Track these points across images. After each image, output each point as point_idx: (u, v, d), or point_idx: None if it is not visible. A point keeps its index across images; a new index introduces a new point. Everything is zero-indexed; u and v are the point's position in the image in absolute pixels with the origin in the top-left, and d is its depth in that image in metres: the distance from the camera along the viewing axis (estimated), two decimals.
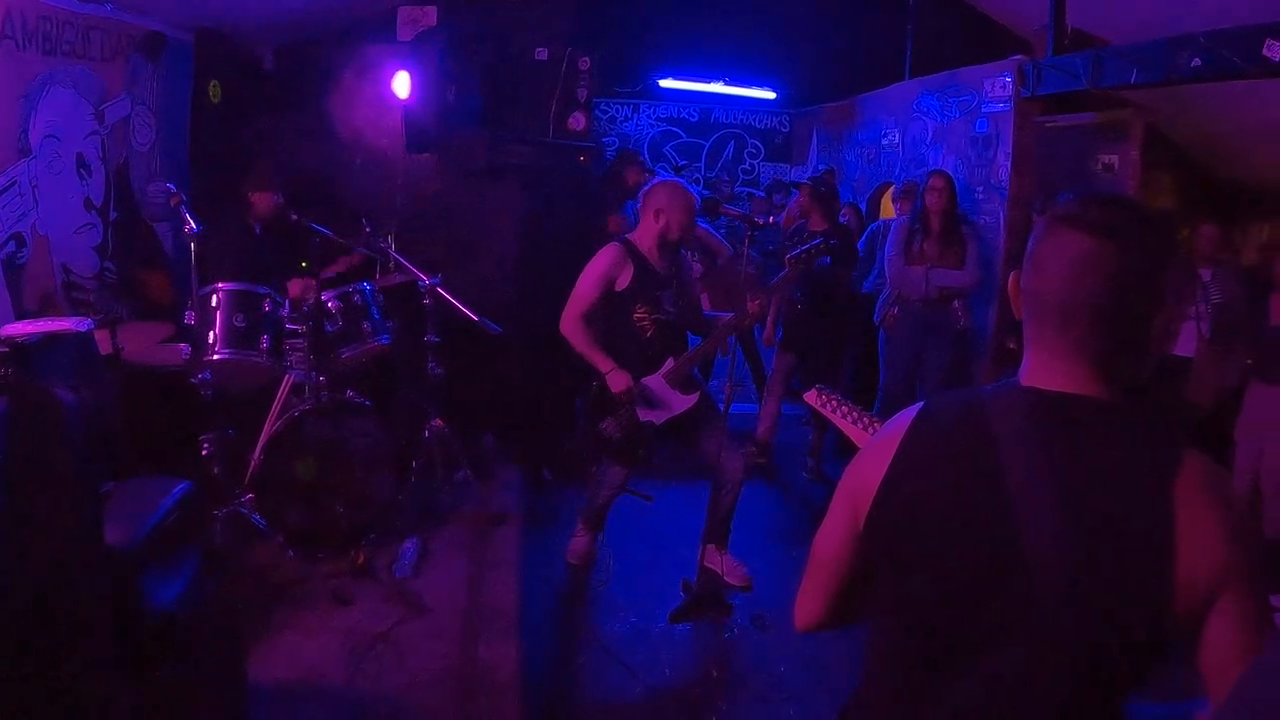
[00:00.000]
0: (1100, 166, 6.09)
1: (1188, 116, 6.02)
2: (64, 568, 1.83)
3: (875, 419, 1.73)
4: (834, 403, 1.77)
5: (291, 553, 3.77)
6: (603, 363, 3.87)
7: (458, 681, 3.11)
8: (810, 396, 1.83)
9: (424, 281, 4.26)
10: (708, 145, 10.18)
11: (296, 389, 4.14)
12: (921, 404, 1.34)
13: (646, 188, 4.06)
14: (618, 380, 3.85)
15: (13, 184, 4.07)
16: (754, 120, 10.22)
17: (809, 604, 1.46)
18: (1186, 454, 1.15)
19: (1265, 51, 4.09)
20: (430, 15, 6.56)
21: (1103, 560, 1.12)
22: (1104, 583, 1.12)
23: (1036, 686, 1.16)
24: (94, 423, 1.94)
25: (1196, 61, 4.39)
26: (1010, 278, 1.30)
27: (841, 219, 6.17)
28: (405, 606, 3.55)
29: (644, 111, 9.92)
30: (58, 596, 1.82)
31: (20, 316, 4.01)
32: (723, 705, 3.40)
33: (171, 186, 3.68)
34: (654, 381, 3.97)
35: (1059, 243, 1.21)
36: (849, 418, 1.74)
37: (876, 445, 1.35)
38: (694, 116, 10.07)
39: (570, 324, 3.88)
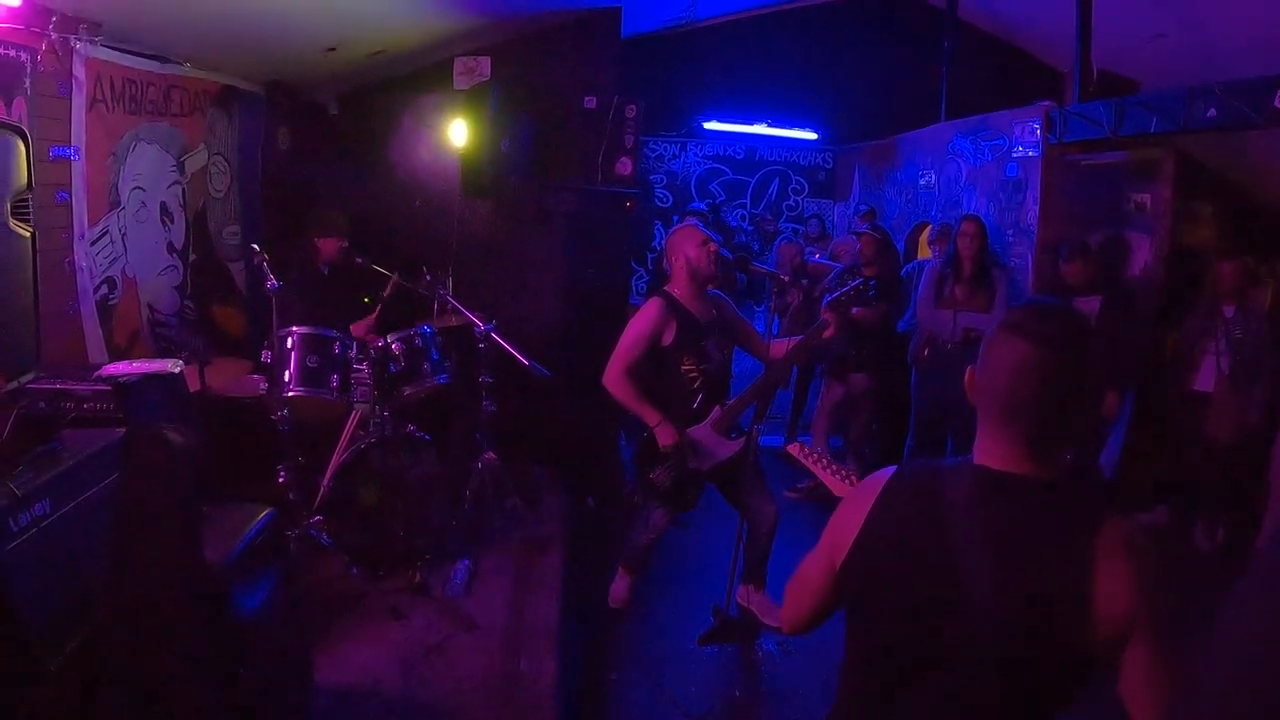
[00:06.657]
0: (1133, 206, 6.17)
1: (1221, 147, 6.08)
2: (171, 580, 2.18)
3: (851, 471, 1.97)
4: (814, 455, 2.02)
5: (354, 570, 4.02)
6: (650, 416, 3.93)
7: (500, 690, 3.39)
8: (793, 449, 2.08)
9: (480, 328, 4.51)
10: (753, 182, 10.37)
11: (362, 422, 4.44)
12: (894, 469, 1.60)
13: (665, 242, 4.17)
14: (665, 434, 3.91)
15: (105, 233, 4.42)
16: (798, 157, 10.38)
17: (793, 613, 1.76)
18: (1108, 521, 1.39)
19: (1276, 103, 4.27)
20: (485, 66, 6.93)
21: (1026, 605, 1.37)
22: (1026, 622, 1.36)
23: (970, 703, 1.41)
24: (193, 457, 2.29)
25: (1212, 112, 4.56)
26: (968, 372, 1.54)
27: None
28: (455, 622, 3.82)
29: (691, 150, 10.14)
30: (165, 604, 2.17)
31: (112, 353, 4.38)
32: None
33: (255, 247, 4.07)
34: (701, 431, 4.02)
35: (1005, 349, 1.45)
36: (829, 470, 1.99)
37: (855, 500, 1.61)
38: (739, 154, 10.26)
39: (614, 379, 3.94)
